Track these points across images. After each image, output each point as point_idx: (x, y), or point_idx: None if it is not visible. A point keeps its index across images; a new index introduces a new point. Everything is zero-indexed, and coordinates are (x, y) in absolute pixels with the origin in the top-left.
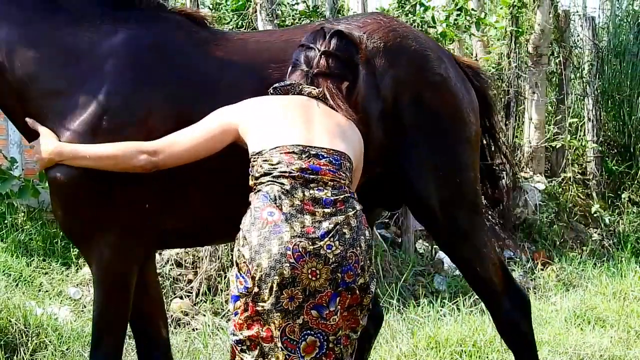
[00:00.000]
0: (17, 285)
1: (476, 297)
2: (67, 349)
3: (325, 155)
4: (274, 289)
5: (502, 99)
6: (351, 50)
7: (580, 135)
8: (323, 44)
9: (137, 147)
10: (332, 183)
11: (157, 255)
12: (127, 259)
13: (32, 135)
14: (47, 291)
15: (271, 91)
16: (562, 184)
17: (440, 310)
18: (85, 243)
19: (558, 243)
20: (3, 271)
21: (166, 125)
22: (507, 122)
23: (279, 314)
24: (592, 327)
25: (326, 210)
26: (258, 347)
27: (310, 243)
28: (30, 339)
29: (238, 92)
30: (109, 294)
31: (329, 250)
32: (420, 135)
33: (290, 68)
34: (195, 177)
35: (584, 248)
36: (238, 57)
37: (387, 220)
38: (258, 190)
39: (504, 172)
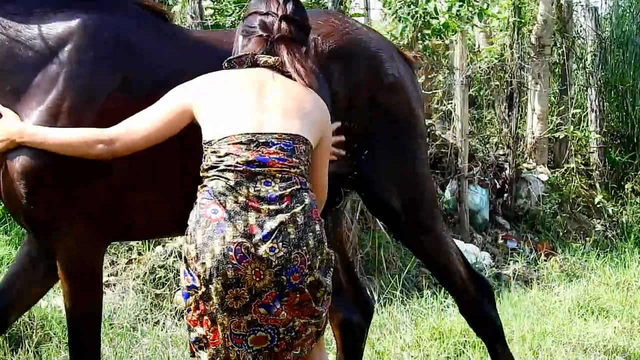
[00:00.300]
0: None
1: None
2: None
3: (275, 142)
4: (219, 289)
5: (505, 90)
6: (305, 14)
7: (583, 126)
8: (279, 9)
9: (95, 136)
10: (280, 175)
11: (160, 247)
12: (92, 249)
13: None
14: None
15: (225, 64)
16: (565, 175)
17: (444, 301)
18: (49, 232)
19: (561, 234)
20: (7, 264)
21: (126, 110)
22: (510, 113)
23: (225, 313)
24: (596, 318)
25: (271, 207)
26: (211, 349)
27: (252, 244)
28: (34, 331)
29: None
30: (79, 285)
31: (271, 253)
32: (377, 137)
33: (241, 37)
34: (154, 168)
35: (587, 239)
36: (199, 50)
37: None
38: (204, 185)
39: (507, 163)
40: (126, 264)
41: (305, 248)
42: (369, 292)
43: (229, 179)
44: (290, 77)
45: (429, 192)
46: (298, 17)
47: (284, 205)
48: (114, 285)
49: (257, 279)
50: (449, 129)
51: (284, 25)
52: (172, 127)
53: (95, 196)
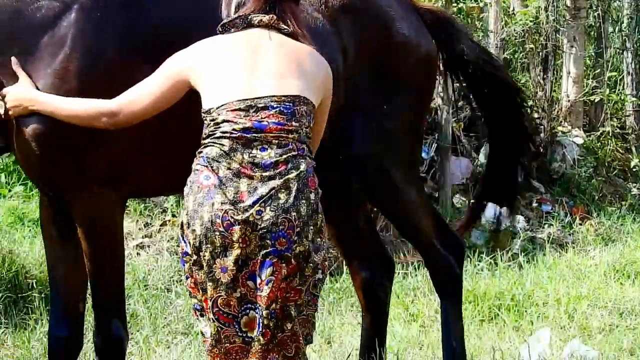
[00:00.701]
0: None
1: (514, 251)
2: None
3: (275, 105)
4: (207, 258)
5: (540, 53)
6: None
7: (619, 89)
8: None
9: (98, 110)
10: (277, 141)
11: None
12: (110, 208)
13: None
14: None
15: (219, 29)
16: (601, 138)
17: (478, 264)
18: (66, 195)
19: (596, 197)
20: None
21: (134, 72)
22: (545, 76)
23: (211, 283)
24: (632, 282)
25: (265, 173)
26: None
27: (240, 211)
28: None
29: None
30: (99, 245)
31: (257, 217)
32: (376, 97)
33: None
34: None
35: (623, 202)
36: (207, 5)
37: (424, 175)
38: (199, 152)
39: (542, 127)
40: (160, 225)
41: (295, 214)
42: (403, 255)
43: (223, 145)
44: (287, 34)
45: (407, 155)
46: None
47: (277, 172)
48: (148, 247)
49: (244, 245)
50: None
51: None
52: (171, 97)
53: (109, 156)
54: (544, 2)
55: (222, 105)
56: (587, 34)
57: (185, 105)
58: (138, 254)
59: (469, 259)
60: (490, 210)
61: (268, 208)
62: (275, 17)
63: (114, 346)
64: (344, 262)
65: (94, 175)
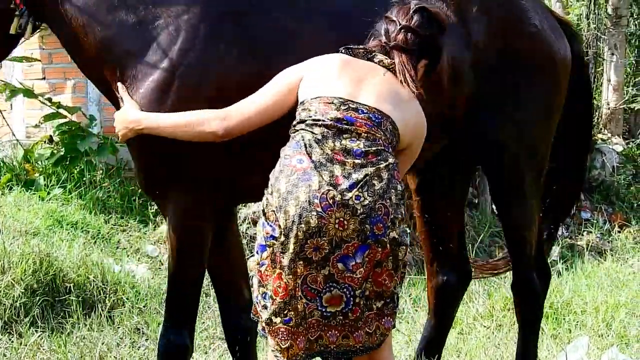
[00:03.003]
0: (95, 242)
1: (553, 258)
2: (144, 306)
3: (365, 111)
4: (300, 237)
5: None
6: (433, 28)
7: None
8: (405, 19)
9: (210, 114)
10: (366, 135)
11: None
12: (200, 215)
13: (115, 100)
14: (124, 248)
15: (342, 50)
16: None
17: None
18: (163, 202)
19: (635, 205)
20: (82, 228)
21: (242, 84)
22: None
23: (302, 262)
24: None
25: (357, 161)
26: (276, 304)
27: (338, 193)
28: (108, 295)
29: (317, 47)
30: (182, 253)
31: (357, 201)
32: (507, 87)
33: (369, 38)
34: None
35: None
36: (317, 11)
37: None
38: (292, 138)
39: None
40: None
41: (389, 201)
42: None
43: (315, 133)
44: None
45: (539, 158)
46: (420, 29)
47: (369, 160)
48: None
49: (341, 228)
50: None
51: (401, 35)
52: (283, 106)
53: (207, 164)
54: (585, 10)
55: (317, 97)
56: (628, 42)
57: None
58: None
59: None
60: None
61: (366, 193)
62: (394, 63)
63: (177, 354)
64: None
65: (189, 181)
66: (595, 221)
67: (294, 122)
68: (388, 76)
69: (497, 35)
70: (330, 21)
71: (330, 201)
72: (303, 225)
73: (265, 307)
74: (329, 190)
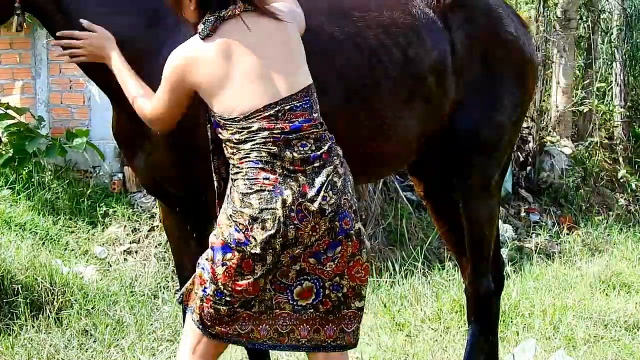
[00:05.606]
0: (43, 243)
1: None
2: (92, 308)
3: (297, 105)
4: (277, 249)
5: None
6: None
7: (607, 100)
8: None
9: (143, 109)
10: (313, 136)
11: None
12: None
13: (114, 95)
14: (73, 250)
15: (200, 33)
16: (589, 149)
17: None
18: (196, 199)
19: (584, 207)
20: (30, 230)
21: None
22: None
23: (276, 270)
24: (617, 293)
25: (315, 164)
26: (239, 300)
27: (308, 201)
28: (56, 297)
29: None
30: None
31: (324, 202)
32: (486, 91)
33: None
34: None
35: (610, 213)
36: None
37: (412, 183)
38: (243, 158)
39: (531, 136)
40: (148, 231)
41: (349, 194)
42: (391, 263)
43: (271, 149)
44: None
45: (504, 159)
46: None
47: (324, 161)
48: (136, 252)
49: (314, 233)
50: None
51: None
52: (184, 103)
53: None
54: (534, 12)
55: (252, 114)
56: (576, 45)
57: None
58: (125, 259)
59: (456, 268)
60: None
61: (331, 192)
62: (239, 5)
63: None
64: (457, 268)
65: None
66: (544, 223)
67: (236, 140)
68: (257, 30)
69: (478, 42)
70: None
71: (305, 211)
72: (281, 239)
73: (221, 303)
74: (302, 201)
